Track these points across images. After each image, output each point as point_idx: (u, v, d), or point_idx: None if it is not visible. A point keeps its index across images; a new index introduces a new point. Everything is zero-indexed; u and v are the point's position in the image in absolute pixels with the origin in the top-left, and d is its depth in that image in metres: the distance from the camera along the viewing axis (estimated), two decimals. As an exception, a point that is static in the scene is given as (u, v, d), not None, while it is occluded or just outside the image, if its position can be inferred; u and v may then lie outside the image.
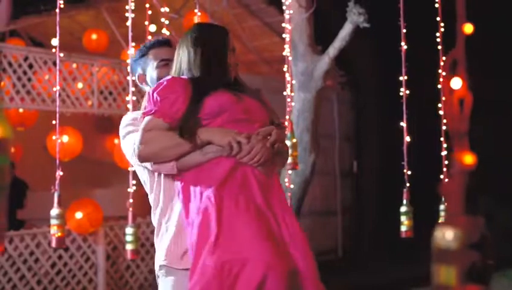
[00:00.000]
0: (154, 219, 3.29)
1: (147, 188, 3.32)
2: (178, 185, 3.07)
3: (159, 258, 3.28)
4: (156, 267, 3.37)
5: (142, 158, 3.03)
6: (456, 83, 1.62)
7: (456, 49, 1.64)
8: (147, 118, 3.00)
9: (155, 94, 3.01)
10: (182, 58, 3.15)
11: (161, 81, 3.09)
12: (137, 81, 3.54)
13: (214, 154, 2.96)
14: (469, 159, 1.47)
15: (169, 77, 3.10)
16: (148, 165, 3.10)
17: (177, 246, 3.15)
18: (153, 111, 2.98)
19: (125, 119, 3.39)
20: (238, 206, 2.84)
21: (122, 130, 3.34)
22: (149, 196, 3.32)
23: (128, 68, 5.71)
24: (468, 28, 1.69)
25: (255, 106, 3.11)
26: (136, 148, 3.01)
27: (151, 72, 3.43)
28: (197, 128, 2.97)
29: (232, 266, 2.68)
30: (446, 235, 1.40)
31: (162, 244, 3.25)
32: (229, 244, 2.74)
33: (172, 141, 2.96)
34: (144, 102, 3.40)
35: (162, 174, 3.17)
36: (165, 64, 3.38)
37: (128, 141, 3.25)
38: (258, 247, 2.72)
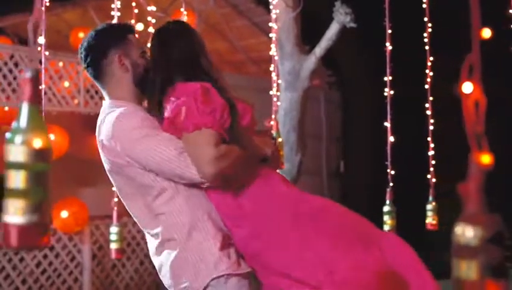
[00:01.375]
0: (179, 233, 2.94)
1: (157, 202, 2.98)
2: (213, 196, 2.98)
3: (209, 272, 2.88)
4: (201, 283, 2.90)
5: (217, 175, 2.77)
6: (468, 87, 1.67)
7: (472, 54, 1.67)
8: (207, 131, 2.78)
9: (197, 103, 2.81)
10: (174, 57, 3.04)
11: (191, 85, 2.90)
12: (103, 63, 3.09)
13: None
14: (487, 159, 1.51)
15: (194, 83, 2.90)
16: (196, 178, 2.84)
17: (233, 252, 2.94)
18: (209, 124, 2.78)
19: (133, 122, 2.94)
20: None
21: (134, 132, 2.91)
22: (158, 208, 2.98)
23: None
24: (486, 33, 1.71)
25: None
26: (208, 164, 2.74)
27: (136, 59, 3.11)
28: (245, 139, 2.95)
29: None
30: (466, 232, 1.46)
31: (208, 256, 2.90)
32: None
33: (243, 155, 2.87)
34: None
35: (184, 186, 2.94)
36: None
37: (161, 146, 2.87)
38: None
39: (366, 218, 3.03)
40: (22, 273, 8.06)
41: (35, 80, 1.48)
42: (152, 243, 3.08)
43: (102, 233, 8.53)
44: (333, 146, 12.54)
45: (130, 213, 3.15)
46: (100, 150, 3.09)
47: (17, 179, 1.40)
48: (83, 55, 3.13)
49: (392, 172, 5.57)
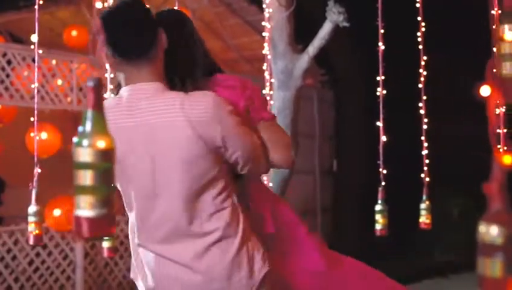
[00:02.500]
0: (237, 228, 2.81)
1: (213, 191, 2.78)
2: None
3: (262, 267, 2.83)
4: (257, 279, 2.81)
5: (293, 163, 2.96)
6: (485, 90, 1.79)
7: (494, 58, 1.75)
8: (277, 123, 3.02)
9: (261, 96, 3.00)
10: (197, 50, 3.00)
11: (246, 79, 3.00)
12: (156, 40, 2.79)
13: None
14: (509, 159, 1.56)
15: (237, 76, 3.04)
16: (268, 167, 2.97)
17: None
18: (274, 116, 3.00)
19: (228, 106, 2.80)
20: None
21: (232, 115, 2.78)
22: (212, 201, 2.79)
23: (107, 65, 5.68)
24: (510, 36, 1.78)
25: None
26: (291, 148, 2.96)
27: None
28: None
29: None
30: (491, 231, 1.50)
31: (258, 251, 2.85)
32: None
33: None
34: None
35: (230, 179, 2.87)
36: None
37: (250, 133, 2.85)
38: None
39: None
40: (14, 272, 8.05)
41: (98, 89, 1.67)
42: (190, 247, 2.76)
43: (95, 231, 8.51)
44: (326, 145, 12.56)
45: (160, 216, 2.77)
46: (184, 132, 2.68)
47: (85, 178, 1.63)
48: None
49: (385, 171, 5.58)
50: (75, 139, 1.67)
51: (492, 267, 1.53)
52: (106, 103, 2.66)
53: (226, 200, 2.79)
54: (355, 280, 3.19)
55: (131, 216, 2.85)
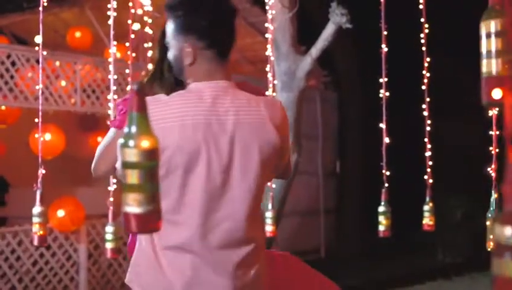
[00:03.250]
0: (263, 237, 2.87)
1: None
2: None
3: None
4: None
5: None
6: (497, 93, 1.79)
7: None
8: None
9: None
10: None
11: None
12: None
13: None
14: None
15: None
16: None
17: None
18: None
19: None
20: None
21: None
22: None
23: (111, 67, 5.70)
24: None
25: None
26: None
27: None
28: None
29: None
30: (505, 232, 1.52)
31: None
32: None
33: None
34: None
35: None
36: None
37: None
38: None
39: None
40: (18, 272, 8.07)
41: (142, 92, 1.74)
42: (236, 254, 2.65)
43: (98, 232, 8.54)
44: (329, 146, 12.56)
45: (223, 216, 2.65)
46: (271, 133, 2.70)
47: (132, 176, 1.72)
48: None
49: (388, 173, 5.59)
50: (121, 141, 1.75)
51: (507, 269, 1.54)
52: (183, 96, 2.64)
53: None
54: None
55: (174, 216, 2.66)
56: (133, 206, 1.73)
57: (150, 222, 1.75)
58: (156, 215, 1.76)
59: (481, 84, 1.90)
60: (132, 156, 1.72)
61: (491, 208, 4.47)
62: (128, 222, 1.74)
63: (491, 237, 4.44)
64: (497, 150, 4.59)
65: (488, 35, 1.89)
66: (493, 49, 1.88)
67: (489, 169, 4.53)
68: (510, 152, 1.48)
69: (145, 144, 1.72)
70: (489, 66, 1.89)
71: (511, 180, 1.49)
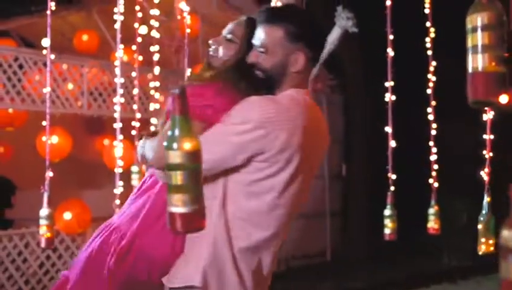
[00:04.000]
0: None
1: None
2: None
3: None
4: None
5: None
6: (503, 98, 1.75)
7: None
8: None
9: None
10: None
11: None
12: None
13: None
14: None
15: None
16: None
17: None
18: None
19: None
20: None
21: None
22: None
23: (117, 70, 5.74)
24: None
25: None
26: None
27: None
28: None
29: None
30: None
31: None
32: None
33: None
34: None
35: None
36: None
37: None
38: None
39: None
40: (25, 274, 8.10)
41: (184, 95, 1.81)
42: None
43: (104, 235, 8.55)
44: (335, 149, 12.56)
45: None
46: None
47: (176, 178, 1.79)
48: None
49: (394, 176, 5.59)
50: (165, 143, 1.80)
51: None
52: (295, 101, 2.75)
53: None
54: None
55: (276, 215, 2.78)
56: (178, 206, 1.80)
57: (195, 221, 1.82)
58: (200, 214, 1.83)
59: (467, 81, 1.83)
60: (176, 157, 1.78)
61: (483, 212, 4.47)
62: (173, 222, 1.81)
63: (483, 240, 4.45)
64: (490, 154, 4.60)
65: (474, 30, 1.82)
66: (479, 43, 1.80)
67: (482, 172, 4.53)
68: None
69: (188, 146, 1.78)
70: (475, 61, 1.81)
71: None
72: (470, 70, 1.82)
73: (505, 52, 1.81)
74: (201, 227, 1.84)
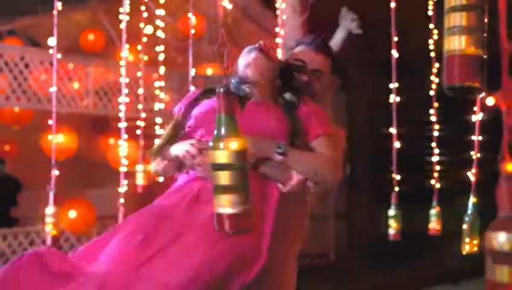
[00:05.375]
0: None
1: None
2: None
3: None
4: None
5: None
6: (490, 100, 1.75)
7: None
8: None
9: None
10: None
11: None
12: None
13: None
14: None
15: None
16: None
17: None
18: None
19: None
20: None
21: None
22: None
23: (122, 70, 5.77)
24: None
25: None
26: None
27: None
28: None
29: None
30: (499, 238, 1.56)
31: None
32: None
33: None
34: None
35: None
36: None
37: None
38: None
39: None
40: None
41: (229, 95, 1.79)
42: None
43: (109, 233, 8.57)
44: (339, 150, 12.55)
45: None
46: None
47: (224, 178, 1.75)
48: None
49: (398, 177, 5.61)
50: (211, 144, 1.78)
51: (501, 273, 1.58)
52: None
53: None
54: None
55: None
56: (225, 207, 1.77)
57: (243, 221, 1.79)
58: (249, 214, 1.79)
59: (443, 65, 1.70)
60: (223, 157, 1.75)
61: (469, 212, 4.49)
62: (221, 223, 1.78)
63: (467, 240, 4.46)
64: (478, 155, 4.62)
65: (453, 9, 1.67)
66: (457, 24, 1.65)
67: (468, 173, 4.55)
68: (507, 159, 1.52)
69: (235, 145, 1.75)
70: (452, 43, 1.66)
71: (505, 185, 1.54)
72: (445, 53, 1.69)
73: (484, 35, 1.67)
74: (249, 227, 1.81)
